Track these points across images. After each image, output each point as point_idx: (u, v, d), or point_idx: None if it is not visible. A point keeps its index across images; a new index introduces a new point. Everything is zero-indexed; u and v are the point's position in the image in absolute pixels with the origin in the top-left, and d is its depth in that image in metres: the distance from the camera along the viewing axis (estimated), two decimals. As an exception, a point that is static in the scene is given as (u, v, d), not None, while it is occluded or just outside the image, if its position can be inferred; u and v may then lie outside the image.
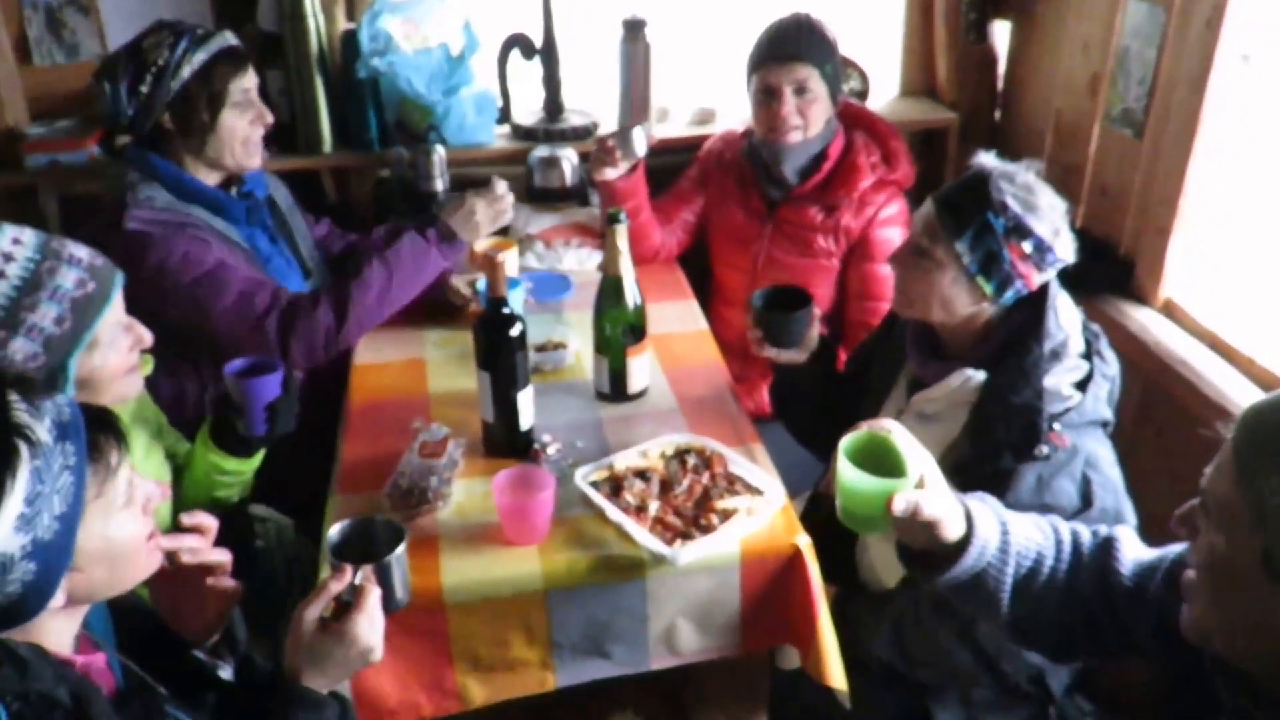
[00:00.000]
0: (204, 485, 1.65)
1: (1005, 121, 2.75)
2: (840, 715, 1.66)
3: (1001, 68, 2.73)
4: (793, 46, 2.16)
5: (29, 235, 1.32)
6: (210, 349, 1.89)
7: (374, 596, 1.23)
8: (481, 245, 2.16)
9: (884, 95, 2.86)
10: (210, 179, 1.97)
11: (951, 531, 1.21)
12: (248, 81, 1.95)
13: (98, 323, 1.33)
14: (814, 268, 2.30)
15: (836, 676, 1.54)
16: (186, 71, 1.86)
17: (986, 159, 1.57)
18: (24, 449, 0.94)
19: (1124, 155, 2.20)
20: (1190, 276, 2.10)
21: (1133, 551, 1.26)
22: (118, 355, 1.39)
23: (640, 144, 2.20)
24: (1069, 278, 2.31)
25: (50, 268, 1.30)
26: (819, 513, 1.84)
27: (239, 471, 1.66)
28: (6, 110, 2.52)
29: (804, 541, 1.52)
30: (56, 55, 2.54)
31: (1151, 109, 2.09)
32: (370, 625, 1.21)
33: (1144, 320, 2.09)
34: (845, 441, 1.23)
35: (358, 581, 1.24)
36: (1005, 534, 1.24)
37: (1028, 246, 1.51)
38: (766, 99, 2.20)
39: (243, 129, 1.94)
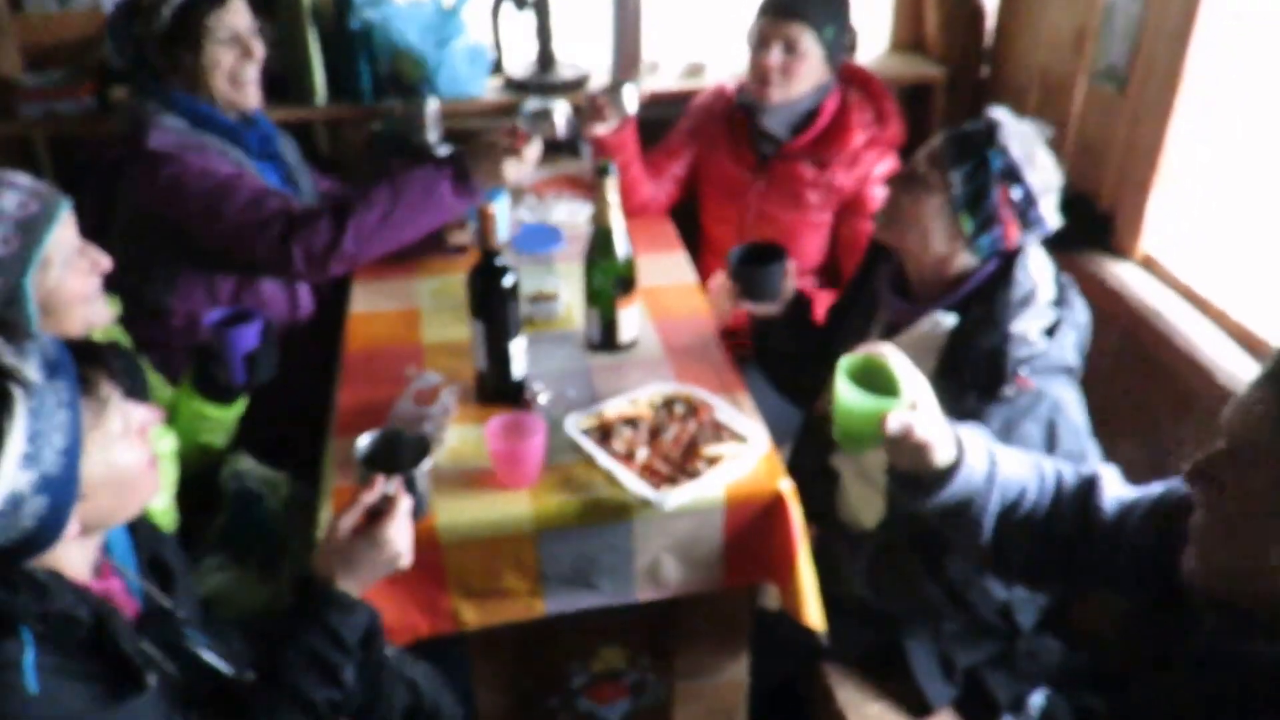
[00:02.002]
0: (188, 431, 1.69)
1: (992, 77, 2.77)
2: (818, 651, 1.74)
3: (990, 22, 2.74)
4: (792, 1, 2.17)
5: None
6: (222, 260, 1.95)
7: (405, 504, 1.31)
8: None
9: (872, 50, 2.87)
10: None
11: (941, 456, 1.24)
12: (231, 18, 1.96)
13: (46, 240, 1.35)
14: (803, 222, 2.33)
15: (814, 616, 1.60)
16: (167, 11, 1.90)
17: (1001, 112, 1.62)
18: (17, 391, 0.97)
19: (1107, 110, 2.23)
20: (1169, 231, 2.14)
21: (1114, 490, 1.31)
22: (75, 277, 1.41)
23: (631, 101, 2.22)
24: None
25: None
26: (803, 457, 1.91)
27: (221, 418, 1.70)
28: (0, 59, 2.52)
29: (786, 486, 1.57)
30: (49, 3, 2.53)
31: (1135, 64, 2.11)
32: (399, 531, 1.29)
33: (1122, 274, 2.13)
34: (844, 361, 1.26)
35: (389, 491, 1.31)
36: (993, 464, 1.28)
37: (1016, 193, 1.55)
38: (757, 46, 2.22)
39: (228, 64, 1.96)
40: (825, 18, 2.18)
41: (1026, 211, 1.56)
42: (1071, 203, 2.29)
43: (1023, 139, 1.57)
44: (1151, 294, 2.06)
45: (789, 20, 2.17)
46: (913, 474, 1.29)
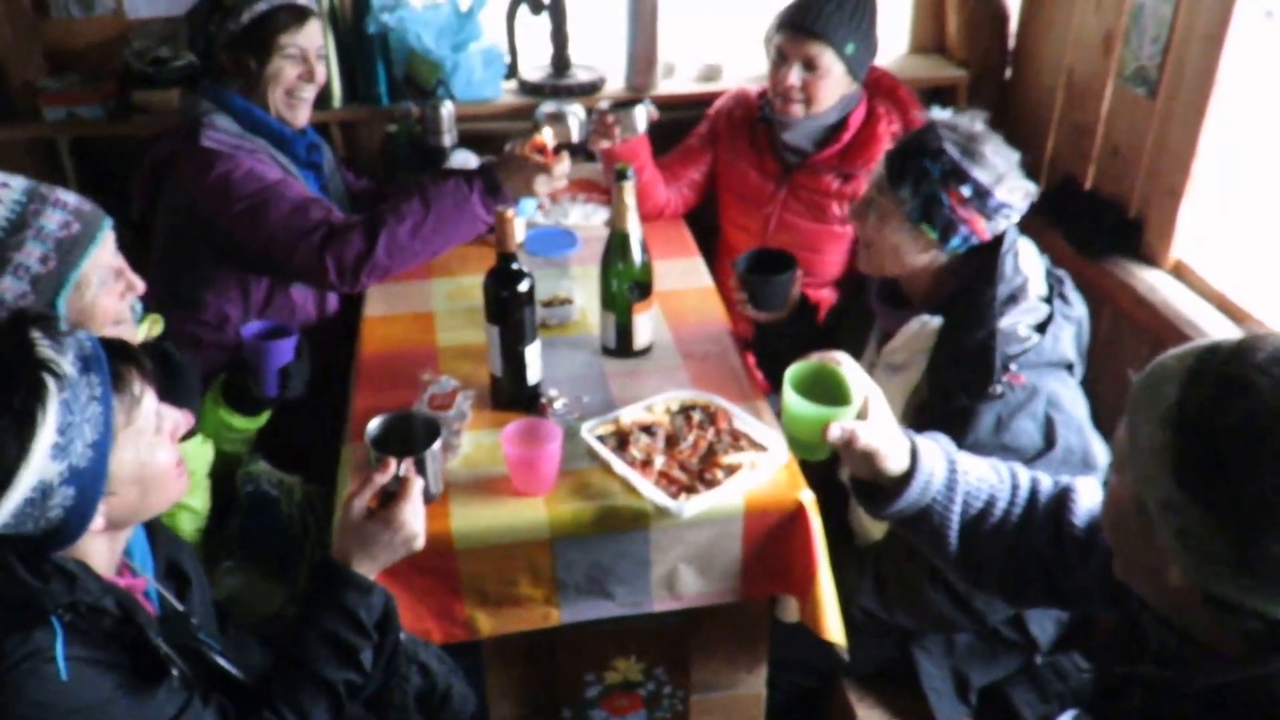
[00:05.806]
0: (211, 440, 1.69)
1: (1016, 79, 2.72)
2: (837, 666, 1.70)
3: (1013, 24, 2.70)
4: (812, 19, 2.10)
5: (18, 181, 1.36)
6: (259, 263, 1.99)
7: (417, 486, 1.33)
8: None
9: (892, 52, 2.83)
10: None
11: (894, 464, 1.23)
12: (304, 39, 2.02)
13: (84, 262, 1.36)
14: (826, 233, 2.30)
15: (834, 630, 1.56)
16: (247, 17, 1.96)
17: (935, 111, 1.61)
18: (51, 382, 0.99)
19: (1136, 114, 2.18)
20: (1201, 238, 2.09)
21: (1089, 502, 1.27)
22: (108, 298, 1.42)
23: (641, 122, 2.19)
24: (1078, 237, 2.29)
25: (35, 210, 1.33)
26: (811, 471, 1.87)
27: (245, 429, 1.73)
28: (25, 63, 2.53)
29: (807, 497, 1.54)
30: (73, 9, 2.55)
31: (1166, 67, 2.06)
32: (414, 513, 1.32)
33: (1152, 281, 2.08)
34: (792, 369, 1.27)
35: (401, 473, 1.33)
36: (953, 472, 1.25)
37: (966, 191, 1.53)
38: (777, 63, 2.19)
39: (287, 79, 2.02)
40: (845, 35, 2.11)
41: (985, 204, 1.53)
42: (1099, 208, 2.26)
43: (958, 135, 1.54)
44: (1183, 302, 2.01)
45: (808, 39, 2.11)
46: (872, 482, 1.27)
